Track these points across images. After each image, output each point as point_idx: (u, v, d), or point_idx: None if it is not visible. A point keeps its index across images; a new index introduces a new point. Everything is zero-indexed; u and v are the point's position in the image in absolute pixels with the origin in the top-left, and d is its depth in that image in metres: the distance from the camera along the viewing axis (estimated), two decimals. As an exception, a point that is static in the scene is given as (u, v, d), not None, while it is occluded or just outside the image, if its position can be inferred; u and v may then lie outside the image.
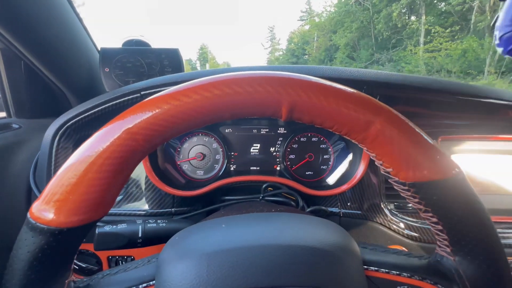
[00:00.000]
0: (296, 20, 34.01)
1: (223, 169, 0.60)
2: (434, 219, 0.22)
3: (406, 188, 0.22)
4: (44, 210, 0.20)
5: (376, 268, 0.24)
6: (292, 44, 33.78)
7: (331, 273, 0.22)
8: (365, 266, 0.24)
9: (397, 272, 0.24)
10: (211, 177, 0.61)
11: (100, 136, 0.20)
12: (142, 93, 0.48)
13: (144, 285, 0.23)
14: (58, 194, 0.20)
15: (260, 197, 0.54)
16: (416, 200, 0.22)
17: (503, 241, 0.36)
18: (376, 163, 0.23)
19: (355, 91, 0.21)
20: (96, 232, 0.39)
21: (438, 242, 0.24)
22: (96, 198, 0.20)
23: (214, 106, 0.21)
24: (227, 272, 0.21)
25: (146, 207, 0.55)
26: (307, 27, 31.41)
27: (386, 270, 0.24)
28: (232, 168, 0.61)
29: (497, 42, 0.45)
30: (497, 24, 0.44)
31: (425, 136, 0.21)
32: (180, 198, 0.55)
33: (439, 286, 0.23)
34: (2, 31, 0.45)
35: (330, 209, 0.54)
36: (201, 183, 0.59)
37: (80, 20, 0.58)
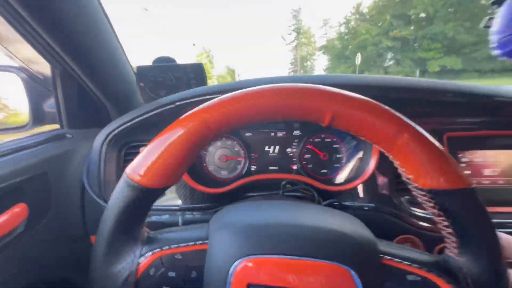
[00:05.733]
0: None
1: (245, 169, 0.67)
2: (446, 223, 0.26)
3: (424, 193, 0.25)
4: (136, 173, 0.27)
5: (390, 258, 0.27)
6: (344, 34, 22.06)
7: (354, 255, 0.26)
8: (381, 255, 0.27)
9: (408, 263, 0.27)
10: (234, 176, 0.67)
11: (182, 121, 0.27)
12: (177, 103, 0.55)
13: (200, 242, 0.29)
14: (147, 161, 0.26)
15: (280, 193, 0.60)
16: (431, 204, 0.26)
17: (507, 230, 0.39)
18: (399, 170, 0.27)
19: (387, 108, 0.26)
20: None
21: (446, 244, 0.27)
22: (171, 169, 0.26)
23: (273, 110, 0.26)
24: (266, 242, 0.27)
25: (179, 202, 0.63)
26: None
27: (399, 260, 0.27)
28: (252, 168, 0.68)
29: (494, 45, 0.48)
30: (494, 28, 0.48)
31: (444, 151, 0.25)
32: (209, 195, 0.62)
33: (443, 278, 0.26)
34: (65, 57, 0.54)
35: (344, 203, 0.59)
36: (226, 182, 0.66)
37: (119, 41, 0.68)
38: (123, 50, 0.70)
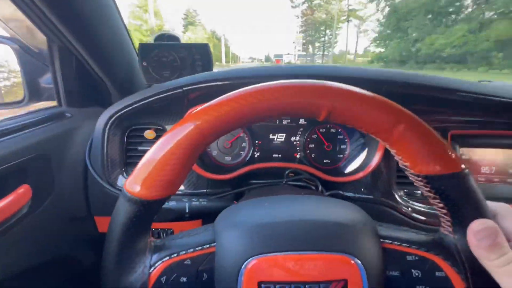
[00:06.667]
0: None
1: (249, 155, 0.67)
2: (441, 205, 0.27)
3: (420, 179, 0.27)
4: (135, 186, 0.26)
5: (390, 241, 0.29)
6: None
7: (355, 243, 0.28)
8: (381, 240, 0.29)
9: (407, 245, 0.29)
10: (238, 162, 0.68)
11: (176, 130, 0.27)
12: (184, 88, 0.54)
13: (207, 245, 0.29)
14: (144, 174, 0.26)
15: (284, 182, 0.61)
16: (427, 189, 0.27)
17: None
18: (395, 157, 0.28)
19: (382, 98, 0.26)
20: None
21: (442, 223, 0.29)
22: (170, 179, 0.26)
23: (268, 109, 0.26)
24: (273, 240, 0.28)
25: (181, 187, 0.63)
26: None
27: (398, 243, 0.29)
28: (256, 155, 0.68)
29: None
30: None
31: (439, 137, 0.26)
32: (212, 180, 0.62)
33: (440, 256, 0.28)
34: (64, 31, 0.51)
35: (345, 193, 0.61)
36: (229, 168, 0.66)
37: (121, 18, 0.64)
38: (126, 27, 0.66)
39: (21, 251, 0.49)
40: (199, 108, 0.27)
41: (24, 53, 0.63)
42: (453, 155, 0.26)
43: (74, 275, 0.63)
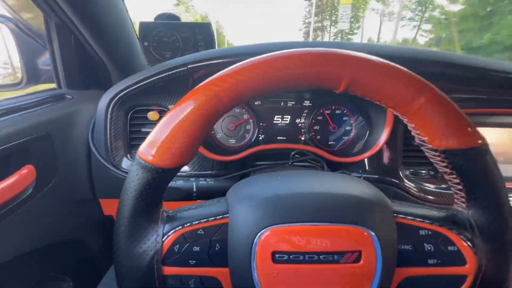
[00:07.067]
0: None
1: (253, 138, 0.66)
2: (457, 180, 0.27)
3: (437, 154, 0.26)
4: (148, 153, 0.26)
5: (403, 216, 0.29)
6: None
7: (370, 216, 0.27)
8: (395, 214, 0.29)
9: (420, 220, 0.29)
10: (243, 145, 0.67)
11: (192, 96, 0.25)
12: (189, 66, 0.52)
13: (220, 216, 0.29)
14: (158, 141, 0.25)
15: (289, 163, 0.61)
16: (444, 164, 0.26)
17: None
18: (412, 132, 0.27)
19: (405, 70, 0.25)
20: None
21: (455, 200, 0.29)
22: (184, 147, 0.26)
23: (285, 78, 0.25)
24: (287, 211, 0.27)
25: (186, 169, 0.62)
26: None
27: (412, 218, 0.29)
28: (261, 137, 0.67)
29: None
30: None
31: (460, 111, 0.25)
32: (217, 162, 0.62)
33: (453, 231, 0.28)
34: (61, 4, 0.49)
35: (352, 173, 0.61)
36: (234, 150, 0.65)
37: (121, -5, 0.61)
38: (125, 5, 0.64)
39: (27, 233, 0.49)
40: (216, 75, 0.26)
41: (22, 33, 0.61)
42: (473, 130, 0.25)
43: (80, 257, 0.64)
